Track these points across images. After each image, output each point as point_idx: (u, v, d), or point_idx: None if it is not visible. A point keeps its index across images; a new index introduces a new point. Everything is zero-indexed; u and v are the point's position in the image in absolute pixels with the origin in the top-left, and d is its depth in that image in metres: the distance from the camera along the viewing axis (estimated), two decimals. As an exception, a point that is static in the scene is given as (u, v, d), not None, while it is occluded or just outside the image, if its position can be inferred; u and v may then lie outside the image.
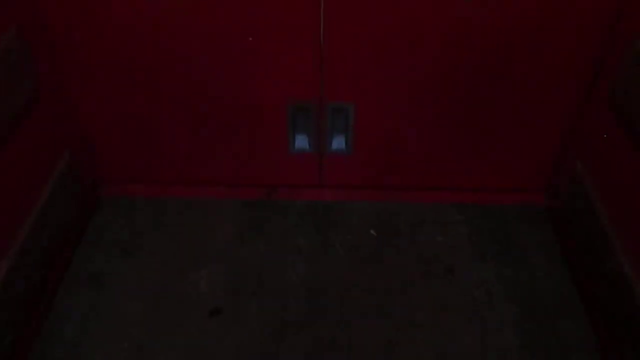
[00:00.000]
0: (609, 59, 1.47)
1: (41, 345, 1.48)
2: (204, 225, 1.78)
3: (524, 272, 1.66)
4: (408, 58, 1.53)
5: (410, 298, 1.59)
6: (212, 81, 1.59)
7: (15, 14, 1.35)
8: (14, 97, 1.35)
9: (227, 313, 1.55)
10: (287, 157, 1.78)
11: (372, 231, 1.77)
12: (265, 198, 1.87)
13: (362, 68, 1.55)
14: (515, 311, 1.56)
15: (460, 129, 1.70)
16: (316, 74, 1.57)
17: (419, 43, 1.49)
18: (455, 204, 1.85)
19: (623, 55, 1.38)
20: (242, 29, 1.48)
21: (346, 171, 1.84)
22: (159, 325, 1.53)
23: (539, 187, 1.86)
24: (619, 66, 1.40)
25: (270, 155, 1.78)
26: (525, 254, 1.71)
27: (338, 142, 1.73)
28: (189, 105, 1.65)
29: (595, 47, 1.48)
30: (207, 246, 1.72)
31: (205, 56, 1.53)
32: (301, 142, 1.74)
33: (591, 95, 1.57)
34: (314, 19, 1.45)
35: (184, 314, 1.55)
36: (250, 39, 1.50)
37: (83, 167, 1.75)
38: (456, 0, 1.41)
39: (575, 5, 1.40)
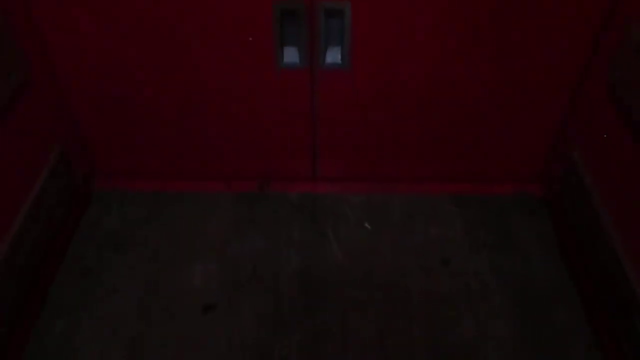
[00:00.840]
0: (603, 45, 1.46)
1: (34, 339, 1.47)
2: (197, 219, 1.77)
3: (520, 262, 1.65)
4: None
5: (405, 289, 1.58)
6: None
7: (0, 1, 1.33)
8: (1, 88, 1.33)
9: (221, 307, 1.54)
10: (275, 76, 1.55)
11: (366, 224, 1.76)
12: (258, 191, 1.86)
13: None
14: (511, 301, 1.55)
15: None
16: None
17: None
18: (450, 194, 1.84)
19: (617, 41, 1.37)
20: None
21: (342, 95, 1.62)
22: (152, 319, 1.52)
23: (534, 176, 1.85)
24: (614, 53, 1.39)
25: (257, 73, 1.56)
26: (520, 243, 1.70)
27: (333, 55, 1.49)
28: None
29: (589, 34, 1.47)
30: (201, 240, 1.71)
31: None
32: (291, 55, 1.49)
33: (586, 82, 1.56)
34: None
35: (177, 308, 1.54)
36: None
37: (75, 160, 1.74)
38: None
39: None
